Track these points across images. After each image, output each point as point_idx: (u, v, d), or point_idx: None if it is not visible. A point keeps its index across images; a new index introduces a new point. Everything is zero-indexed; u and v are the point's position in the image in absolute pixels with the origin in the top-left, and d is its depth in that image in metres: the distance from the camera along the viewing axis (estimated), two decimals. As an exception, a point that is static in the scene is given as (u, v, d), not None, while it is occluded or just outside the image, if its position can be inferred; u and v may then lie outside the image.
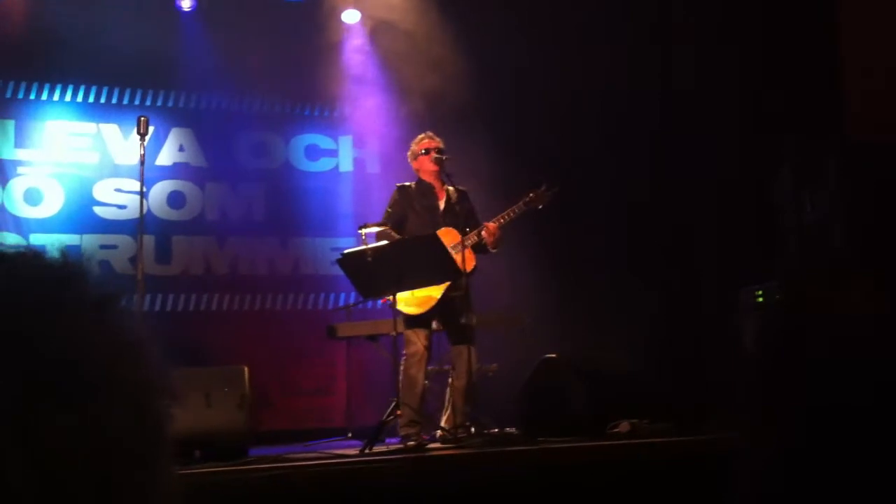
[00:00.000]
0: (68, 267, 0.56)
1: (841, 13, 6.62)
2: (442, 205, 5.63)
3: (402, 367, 5.38)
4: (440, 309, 5.40)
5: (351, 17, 7.59)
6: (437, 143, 5.65)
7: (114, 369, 0.53)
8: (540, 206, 5.64)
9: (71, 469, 0.48)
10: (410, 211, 5.58)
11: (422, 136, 5.72)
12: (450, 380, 5.66)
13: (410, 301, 5.34)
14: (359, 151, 7.86)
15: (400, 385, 5.25)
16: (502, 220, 5.52)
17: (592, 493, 4.20)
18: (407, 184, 5.70)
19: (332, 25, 7.57)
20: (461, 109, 6.96)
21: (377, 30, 7.54)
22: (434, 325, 5.52)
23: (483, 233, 5.45)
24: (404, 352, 5.43)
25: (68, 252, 0.58)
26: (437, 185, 5.67)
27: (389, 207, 5.63)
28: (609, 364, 5.91)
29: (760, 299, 5.97)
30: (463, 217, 5.62)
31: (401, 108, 7.42)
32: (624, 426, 5.19)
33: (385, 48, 7.48)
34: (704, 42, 7.14)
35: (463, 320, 5.35)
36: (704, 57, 7.11)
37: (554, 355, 5.90)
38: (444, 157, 5.61)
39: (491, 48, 7.34)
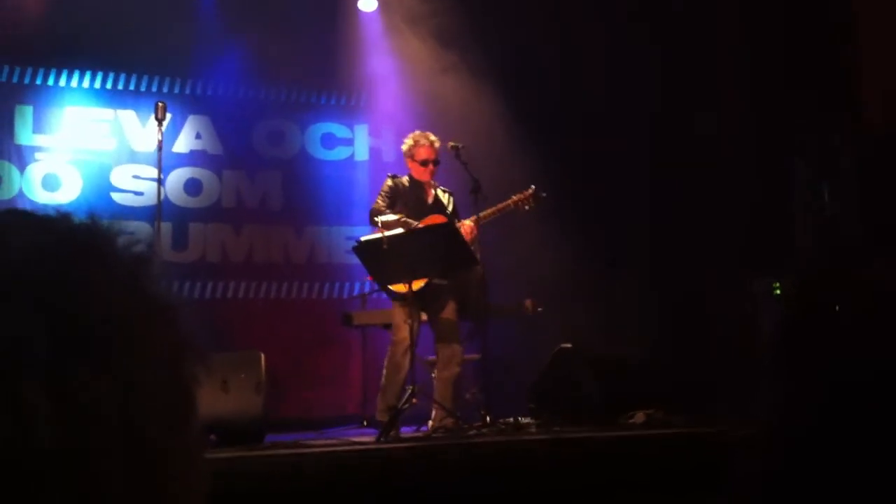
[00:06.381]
0: (98, 227, 0.56)
1: (859, 9, 6.55)
2: (430, 200, 5.68)
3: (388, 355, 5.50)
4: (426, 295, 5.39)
5: (368, 5, 7.58)
6: (436, 152, 5.64)
7: (144, 328, 0.52)
8: (527, 208, 5.63)
9: (100, 425, 0.48)
10: (400, 202, 5.61)
11: (421, 140, 5.65)
12: (434, 372, 5.66)
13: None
14: (374, 140, 7.87)
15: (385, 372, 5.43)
16: (483, 219, 5.51)
17: (606, 483, 4.20)
18: (399, 177, 5.74)
19: (348, 14, 7.57)
20: (477, 95, 6.96)
21: (393, 18, 7.52)
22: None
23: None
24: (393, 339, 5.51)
25: (97, 215, 0.57)
26: (426, 184, 5.71)
27: (383, 192, 5.65)
28: (623, 355, 5.90)
29: (777, 291, 5.94)
30: (451, 215, 5.66)
31: (416, 96, 7.41)
32: (639, 417, 5.19)
33: (401, 36, 7.46)
34: (717, 33, 7.09)
35: (445, 314, 5.44)
36: (716, 49, 7.05)
37: (568, 345, 5.91)
38: (460, 146, 5.61)
39: (508, 35, 7.33)
